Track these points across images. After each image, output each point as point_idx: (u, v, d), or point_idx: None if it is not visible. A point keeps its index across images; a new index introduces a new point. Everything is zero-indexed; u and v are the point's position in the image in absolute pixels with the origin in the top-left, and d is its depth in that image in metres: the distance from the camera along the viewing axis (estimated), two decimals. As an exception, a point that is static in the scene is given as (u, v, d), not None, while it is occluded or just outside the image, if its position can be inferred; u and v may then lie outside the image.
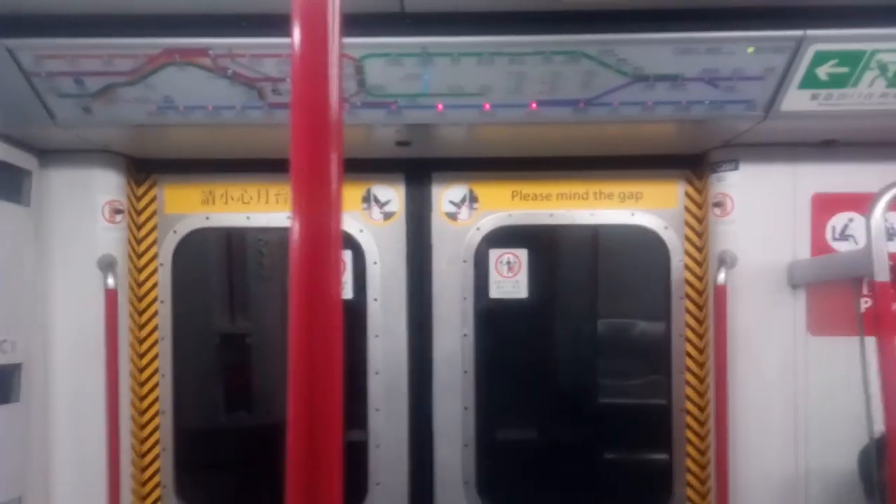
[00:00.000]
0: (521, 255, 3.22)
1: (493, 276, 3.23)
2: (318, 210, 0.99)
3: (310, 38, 1.00)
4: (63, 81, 2.48)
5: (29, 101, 2.53)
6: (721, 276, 2.85)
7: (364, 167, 3.12)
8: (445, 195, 3.22)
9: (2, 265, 2.71)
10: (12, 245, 2.79)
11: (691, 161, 3.12)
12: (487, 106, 2.52)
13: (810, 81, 2.38)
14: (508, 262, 3.22)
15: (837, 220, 2.90)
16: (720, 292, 2.85)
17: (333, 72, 1.00)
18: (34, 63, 2.43)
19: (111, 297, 2.93)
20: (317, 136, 1.01)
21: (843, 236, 2.90)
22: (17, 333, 2.76)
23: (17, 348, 2.77)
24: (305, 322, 0.99)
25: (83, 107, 2.56)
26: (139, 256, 3.22)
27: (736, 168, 2.93)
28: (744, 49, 2.30)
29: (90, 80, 2.48)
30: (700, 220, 3.12)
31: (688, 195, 3.15)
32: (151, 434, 3.23)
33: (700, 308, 3.12)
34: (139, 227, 3.22)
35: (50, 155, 2.97)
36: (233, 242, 3.66)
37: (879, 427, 2.26)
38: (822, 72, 2.36)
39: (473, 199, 3.22)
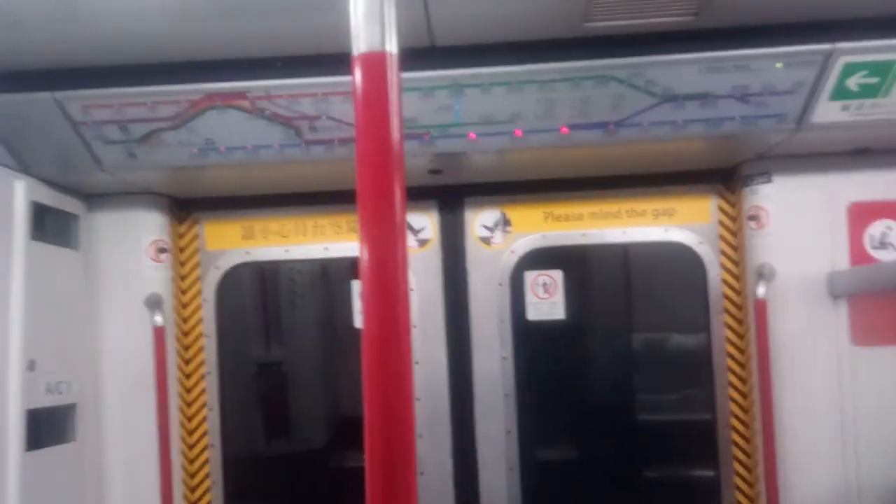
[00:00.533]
0: (557, 276, 3.24)
1: (530, 298, 3.25)
2: (385, 236, 1.06)
3: (371, 79, 1.09)
4: (109, 129, 2.58)
5: (76, 149, 2.64)
6: (761, 290, 2.84)
7: None
8: (478, 220, 3.26)
9: (54, 307, 2.80)
10: (63, 287, 2.88)
11: (723, 175, 3.13)
12: (519, 132, 2.57)
13: (841, 93, 2.39)
14: (544, 284, 3.24)
15: (875, 229, 2.88)
16: (760, 306, 2.84)
17: (395, 120, 1.06)
18: (81, 113, 2.54)
19: (159, 334, 3.01)
20: (382, 166, 1.08)
21: (883, 244, 2.87)
22: (70, 374, 2.85)
23: (72, 389, 2.85)
24: (377, 345, 1.04)
25: (128, 152, 2.66)
26: (184, 293, 3.30)
27: (769, 180, 2.93)
28: (772, 65, 2.32)
29: (135, 127, 2.58)
30: (735, 234, 3.12)
31: (721, 209, 3.15)
32: (202, 468, 3.29)
33: (740, 322, 3.11)
34: (183, 265, 3.31)
35: (96, 199, 3.08)
36: (272, 276, 3.75)
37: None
38: (852, 83, 2.36)
39: (506, 222, 3.25)
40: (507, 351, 3.22)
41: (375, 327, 1.04)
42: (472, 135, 2.58)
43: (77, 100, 2.51)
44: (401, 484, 1.04)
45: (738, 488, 3.11)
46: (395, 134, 1.08)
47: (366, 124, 1.09)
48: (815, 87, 2.37)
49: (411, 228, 3.28)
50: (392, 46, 1.09)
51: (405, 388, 1.05)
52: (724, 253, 3.14)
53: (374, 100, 1.07)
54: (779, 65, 2.32)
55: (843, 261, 2.88)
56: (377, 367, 1.04)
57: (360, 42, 1.08)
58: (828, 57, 2.29)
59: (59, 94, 2.49)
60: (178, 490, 3.16)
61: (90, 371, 3.01)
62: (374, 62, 1.07)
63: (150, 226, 3.16)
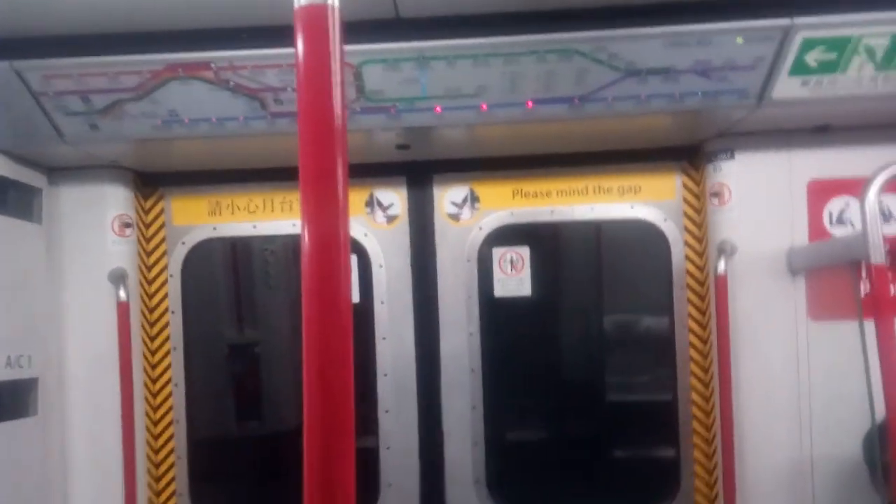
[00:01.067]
0: (524, 252, 3.26)
1: (497, 275, 3.27)
2: (326, 215, 1.03)
3: (313, 48, 1.04)
4: (70, 100, 2.55)
5: (37, 120, 2.59)
6: (721, 266, 2.89)
7: (366, 172, 3.18)
8: (447, 196, 3.27)
9: (15, 281, 2.76)
10: (25, 261, 2.85)
11: (688, 152, 3.16)
12: (485, 106, 2.58)
13: (800, 68, 2.43)
14: (511, 260, 3.26)
15: (834, 206, 2.94)
16: (721, 282, 2.89)
17: (336, 79, 1.04)
18: (42, 83, 2.50)
19: (123, 309, 2.99)
20: (323, 142, 1.05)
21: (840, 221, 2.93)
22: (32, 348, 2.82)
23: (33, 363, 2.82)
24: (317, 325, 1.03)
25: (90, 124, 2.62)
26: (149, 269, 3.27)
27: (732, 157, 2.98)
28: (733, 39, 2.35)
29: (96, 98, 2.54)
30: (698, 211, 3.16)
31: (685, 186, 3.19)
32: (166, 443, 3.28)
33: (702, 298, 3.16)
34: (148, 240, 3.28)
35: (59, 172, 3.03)
36: (239, 252, 3.72)
37: (882, 411, 2.27)
38: (811, 58, 2.40)
39: (475, 198, 3.26)
40: (474, 327, 3.25)
41: (315, 311, 1.02)
42: (439, 108, 2.58)
43: (37, 69, 2.47)
44: (338, 479, 1.03)
45: (699, 462, 3.17)
46: (337, 94, 1.04)
47: (307, 83, 1.05)
48: (774, 62, 2.40)
49: (380, 204, 3.28)
50: (335, 12, 1.05)
51: (345, 374, 1.03)
52: (687, 230, 3.18)
53: (315, 57, 1.04)
54: (739, 39, 2.35)
55: (802, 237, 2.94)
56: (317, 352, 1.02)
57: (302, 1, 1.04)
58: (787, 32, 2.32)
59: (19, 64, 2.45)
60: (142, 466, 3.15)
61: (53, 346, 2.98)
62: (315, 16, 1.04)
63: (114, 200, 3.13)
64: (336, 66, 1.05)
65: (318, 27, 1.05)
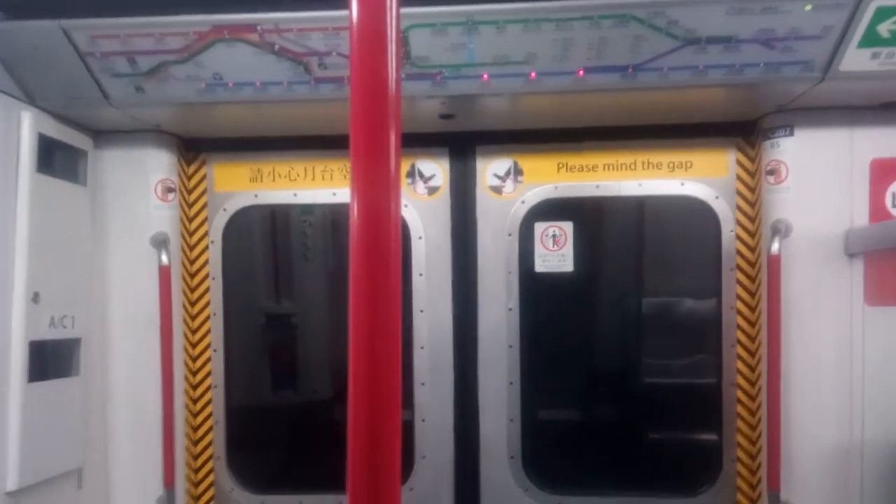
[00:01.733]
0: (567, 227, 3.19)
1: (539, 250, 3.21)
2: (377, 185, 0.99)
3: (368, 13, 0.99)
4: (116, 61, 2.54)
5: (84, 81, 2.59)
6: (775, 246, 2.78)
7: (408, 142, 3.07)
8: (490, 168, 3.21)
9: (60, 243, 2.79)
10: (69, 223, 2.87)
11: (743, 128, 3.04)
12: (533, 74, 2.50)
13: (871, 39, 2.29)
14: (554, 236, 3.19)
15: (897, 187, 2.81)
16: (774, 262, 2.78)
17: (392, 46, 0.99)
18: (89, 43, 2.49)
19: (164, 273, 3.00)
20: (376, 111, 1.00)
21: (904, 203, 2.80)
22: (75, 309, 2.85)
23: (77, 324, 2.85)
24: (365, 299, 0.99)
25: (136, 86, 2.61)
26: (191, 234, 3.29)
27: (791, 134, 2.85)
28: (801, 7, 2.22)
29: (142, 59, 2.53)
30: (752, 189, 3.05)
31: (739, 163, 3.07)
32: (204, 407, 3.31)
33: (752, 280, 3.06)
34: (190, 206, 3.28)
35: (104, 135, 3.04)
36: (279, 220, 3.71)
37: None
38: (884, 29, 2.26)
39: (518, 171, 3.19)
40: (514, 302, 3.20)
41: (364, 288, 0.98)
42: (486, 76, 2.51)
43: (84, 29, 2.46)
44: (384, 451, 1.00)
45: (741, 446, 3.09)
46: (392, 70, 0.99)
47: (360, 66, 1.00)
48: (844, 31, 2.27)
49: (421, 175, 3.23)
50: None
51: (393, 350, 1.00)
52: (740, 208, 3.07)
53: (371, 19, 0.98)
54: (808, 7, 2.22)
55: (862, 218, 2.81)
56: (364, 328, 0.98)
57: None
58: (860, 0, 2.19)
59: (66, 23, 2.44)
60: (181, 429, 3.19)
61: (96, 307, 3.01)
62: None
63: (158, 164, 3.13)
64: (392, 32, 1.00)
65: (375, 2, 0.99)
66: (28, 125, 2.63)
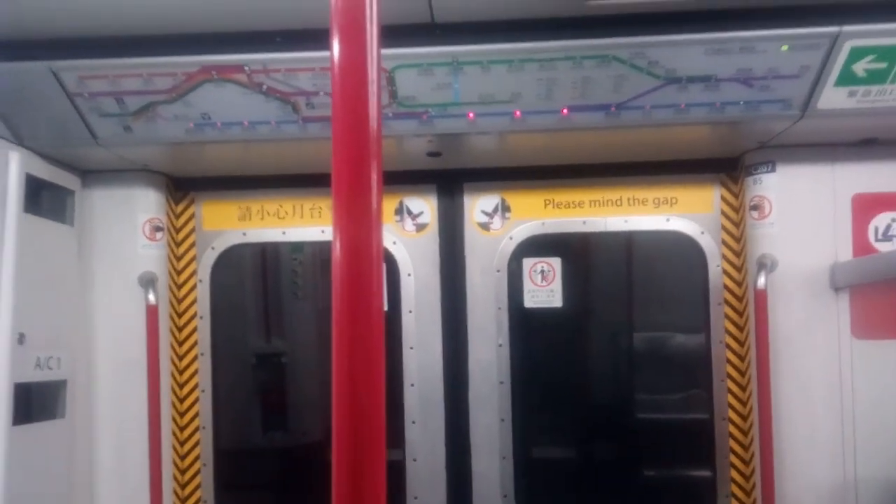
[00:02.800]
0: (555, 263, 3.20)
1: (528, 286, 3.21)
2: (359, 222, 0.99)
3: (349, 52, 1.01)
4: (104, 101, 2.56)
5: (72, 121, 2.61)
6: (761, 281, 2.80)
7: (396, 179, 3.15)
8: (477, 205, 3.23)
9: (47, 283, 2.78)
10: (57, 263, 2.86)
11: (727, 164, 3.08)
12: (518, 113, 2.53)
13: (847, 78, 2.35)
14: (542, 271, 3.20)
15: (880, 221, 2.84)
16: (760, 297, 2.80)
17: (373, 85, 1.00)
18: (77, 84, 2.51)
19: (152, 313, 2.98)
20: (357, 148, 1.01)
21: (887, 237, 2.83)
22: (61, 350, 2.82)
23: (63, 365, 2.82)
24: (348, 335, 0.99)
25: (124, 126, 2.63)
26: (179, 273, 3.28)
27: (773, 170, 2.89)
28: (778, 47, 2.27)
29: (130, 100, 2.55)
30: (737, 225, 3.08)
31: (724, 199, 3.11)
32: (192, 449, 3.26)
33: (740, 314, 3.07)
34: (178, 244, 3.28)
35: (92, 175, 3.05)
36: (269, 259, 3.71)
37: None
38: (859, 68, 2.32)
39: (506, 208, 3.22)
40: (504, 338, 3.19)
41: (346, 325, 0.98)
42: (472, 115, 2.55)
43: (73, 70, 2.48)
44: (368, 492, 0.99)
45: (735, 481, 3.06)
46: (373, 107, 1.00)
47: (342, 105, 1.02)
48: (820, 71, 2.32)
49: (409, 212, 3.25)
50: (373, 12, 1.02)
51: (376, 386, 0.99)
52: (725, 243, 3.10)
53: (351, 60, 1.00)
54: (784, 48, 2.27)
55: (846, 253, 2.84)
56: (347, 363, 0.98)
57: (339, 5, 1.01)
58: (834, 40, 2.25)
59: (55, 64, 2.46)
60: (168, 472, 3.13)
61: (82, 348, 2.98)
62: (352, 18, 1.01)
63: (146, 204, 3.14)
64: (373, 70, 1.01)
65: (355, 29, 1.01)
66: (16, 165, 2.63)
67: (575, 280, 3.24)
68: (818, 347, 2.85)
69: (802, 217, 2.87)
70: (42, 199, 2.83)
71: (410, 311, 3.21)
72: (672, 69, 2.36)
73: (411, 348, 3.20)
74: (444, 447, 3.19)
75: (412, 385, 3.19)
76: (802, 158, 2.86)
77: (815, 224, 2.86)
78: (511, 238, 3.21)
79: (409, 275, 3.22)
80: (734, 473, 3.06)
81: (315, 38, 2.36)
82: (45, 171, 2.79)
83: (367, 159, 1.00)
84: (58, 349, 2.80)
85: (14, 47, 2.44)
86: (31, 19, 2.31)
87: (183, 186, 3.29)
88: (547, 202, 3.20)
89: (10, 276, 2.57)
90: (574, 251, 3.31)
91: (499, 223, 3.22)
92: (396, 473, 3.20)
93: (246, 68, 2.45)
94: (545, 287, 3.20)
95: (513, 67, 2.39)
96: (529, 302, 3.21)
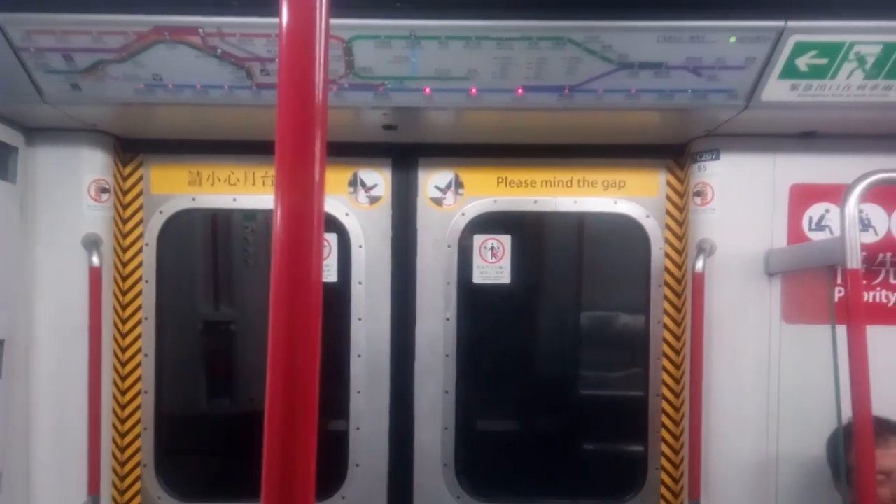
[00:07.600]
0: (505, 241, 3.26)
1: (477, 262, 3.26)
2: (301, 190, 0.99)
3: (298, 17, 1.01)
4: (52, 57, 2.48)
5: (17, 76, 2.52)
6: (700, 264, 2.91)
7: (351, 151, 3.15)
8: (431, 180, 3.25)
9: (-14, 240, 2.70)
10: (-3, 221, 2.78)
11: (674, 151, 3.17)
12: (474, 90, 2.55)
13: (790, 72, 2.43)
14: (492, 248, 3.26)
15: (814, 211, 2.97)
16: (698, 279, 2.91)
17: (320, 52, 1.01)
18: (23, 38, 2.42)
19: (95, 275, 2.93)
20: (303, 115, 1.01)
21: (820, 226, 2.96)
22: (0, 309, 2.76)
23: (0, 324, 2.76)
24: (286, 301, 0.99)
25: (71, 83, 2.56)
26: (124, 236, 3.22)
27: (717, 158, 2.99)
28: (726, 38, 2.34)
29: (79, 57, 2.48)
30: (681, 209, 3.18)
31: (669, 184, 3.20)
32: (133, 413, 3.24)
33: (678, 296, 3.18)
34: (125, 207, 3.22)
35: (37, 132, 2.96)
36: (219, 225, 3.67)
37: (848, 414, 2.30)
38: (802, 62, 2.41)
39: (459, 184, 3.25)
40: (451, 312, 3.24)
41: (285, 293, 0.98)
42: (428, 90, 2.55)
43: (19, 23, 2.39)
44: (299, 458, 1.00)
45: (665, 456, 3.20)
46: (320, 74, 1.00)
47: (288, 71, 1.01)
48: (765, 63, 2.40)
49: (363, 184, 3.25)
50: None
51: (311, 354, 1.00)
52: (668, 227, 3.20)
53: (298, 41, 1.00)
54: (732, 39, 2.34)
55: (781, 240, 2.97)
56: (284, 334, 0.98)
57: None
58: (780, 34, 2.32)
59: (1, 17, 2.38)
60: (107, 434, 3.11)
61: (22, 308, 2.92)
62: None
63: (92, 164, 3.06)
64: (321, 37, 1.01)
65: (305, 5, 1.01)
66: (-45, 119, 2.55)
67: (524, 258, 3.31)
68: (750, 329, 2.99)
69: (742, 204, 2.98)
70: (-18, 154, 2.75)
71: (360, 283, 3.23)
72: (625, 54, 2.41)
73: (360, 319, 3.23)
74: (389, 417, 3.24)
75: (359, 356, 3.23)
76: (745, 148, 2.96)
77: (754, 212, 2.98)
78: (463, 214, 3.25)
79: (361, 246, 3.23)
80: (664, 448, 3.20)
81: (271, 3, 2.31)
82: (-14, 125, 2.71)
83: (311, 127, 1.01)
84: (-4, 309, 2.74)
85: (-44, -3, 2.35)
86: (-26, -32, 2.22)
87: (131, 148, 3.22)
88: (500, 180, 3.25)
89: (-53, 232, 2.50)
90: (524, 229, 3.37)
91: (452, 199, 3.25)
92: (340, 442, 3.24)
93: (200, 31, 2.40)
94: (494, 264, 3.26)
95: (470, 44, 2.40)
96: (478, 278, 3.26)
